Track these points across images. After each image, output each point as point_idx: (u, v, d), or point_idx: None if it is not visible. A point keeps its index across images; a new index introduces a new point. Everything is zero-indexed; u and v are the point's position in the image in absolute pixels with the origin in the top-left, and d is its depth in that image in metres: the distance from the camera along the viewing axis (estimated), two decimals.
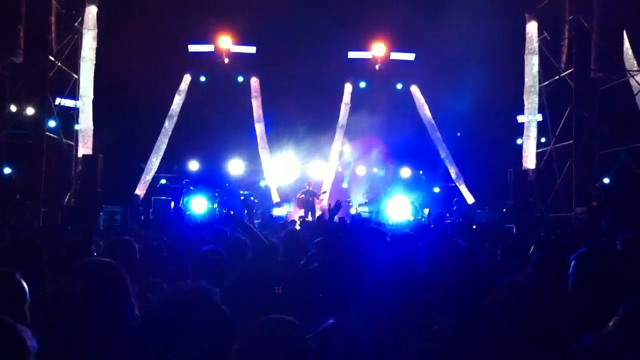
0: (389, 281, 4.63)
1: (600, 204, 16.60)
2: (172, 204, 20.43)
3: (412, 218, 20.47)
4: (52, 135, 17.78)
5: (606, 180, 18.17)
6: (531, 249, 6.10)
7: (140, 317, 2.41)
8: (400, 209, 21.44)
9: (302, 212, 21.23)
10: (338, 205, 6.31)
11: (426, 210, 21.70)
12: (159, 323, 2.06)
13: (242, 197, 21.60)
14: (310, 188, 21.68)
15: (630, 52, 17.46)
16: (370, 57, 23.17)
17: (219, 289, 2.23)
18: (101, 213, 17.33)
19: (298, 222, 18.46)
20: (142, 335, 2.11)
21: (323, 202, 22.23)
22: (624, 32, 17.51)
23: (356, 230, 6.99)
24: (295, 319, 2.40)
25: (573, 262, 3.73)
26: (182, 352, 2.02)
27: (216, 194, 21.65)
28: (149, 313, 2.11)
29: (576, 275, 3.62)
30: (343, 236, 5.27)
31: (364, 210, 21.87)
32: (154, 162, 22.42)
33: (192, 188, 20.54)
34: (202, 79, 23.57)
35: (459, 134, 24.03)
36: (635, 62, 17.41)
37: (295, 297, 3.69)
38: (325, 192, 22.58)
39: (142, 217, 16.98)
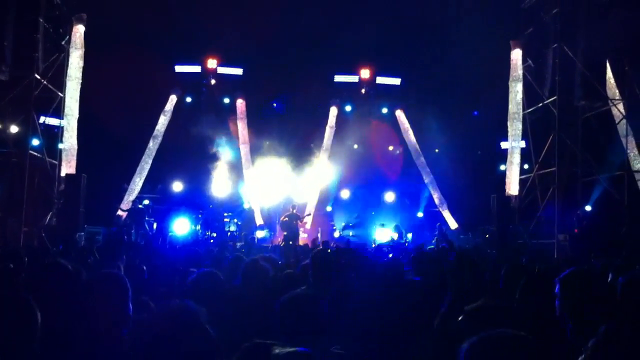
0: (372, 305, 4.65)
1: (582, 230, 16.72)
2: (155, 225, 20.39)
3: (395, 237, 20.61)
4: (36, 153, 17.66)
5: (588, 208, 18.30)
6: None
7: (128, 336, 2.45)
8: (384, 233, 21.57)
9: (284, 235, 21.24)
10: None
11: (409, 235, 21.82)
12: (144, 342, 2.05)
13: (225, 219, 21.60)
14: (295, 211, 21.66)
15: (612, 81, 17.71)
16: (357, 80, 23.33)
17: (208, 309, 2.23)
18: (82, 233, 17.35)
19: (282, 244, 18.48)
20: (129, 353, 2.12)
21: (307, 225, 22.22)
22: (607, 61, 17.76)
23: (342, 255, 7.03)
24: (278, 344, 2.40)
25: (558, 284, 3.74)
26: None
27: (199, 216, 21.60)
28: (136, 331, 2.11)
29: (562, 296, 3.63)
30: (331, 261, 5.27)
31: (348, 234, 21.93)
32: (138, 182, 22.32)
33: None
34: (188, 99, 23.57)
35: (437, 150, 24.02)
36: (617, 91, 17.65)
37: (280, 322, 3.67)
38: (309, 215, 22.57)
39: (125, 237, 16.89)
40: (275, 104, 23.71)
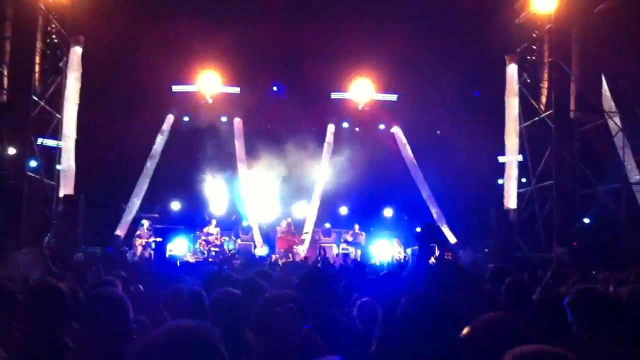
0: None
1: (581, 243, 16.71)
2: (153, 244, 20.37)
3: (397, 255, 20.61)
4: (33, 175, 17.65)
5: (586, 221, 18.29)
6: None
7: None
8: (383, 249, 21.59)
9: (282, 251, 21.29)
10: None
11: (409, 250, 21.81)
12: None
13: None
14: (292, 229, 21.69)
15: (608, 93, 17.75)
16: (354, 98, 23.39)
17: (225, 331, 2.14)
18: (80, 254, 17.31)
19: (280, 262, 18.46)
20: None
21: (305, 243, 22.22)
22: (602, 74, 17.83)
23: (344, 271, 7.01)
24: None
25: (568, 309, 3.72)
26: None
27: (198, 234, 21.60)
28: (143, 349, 2.02)
29: (577, 317, 3.62)
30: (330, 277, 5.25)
31: (347, 250, 21.94)
32: (136, 202, 22.31)
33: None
34: (186, 119, 23.62)
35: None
36: (613, 104, 17.69)
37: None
38: (307, 233, 22.57)
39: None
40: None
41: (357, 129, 24.30)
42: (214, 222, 21.82)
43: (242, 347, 3.64)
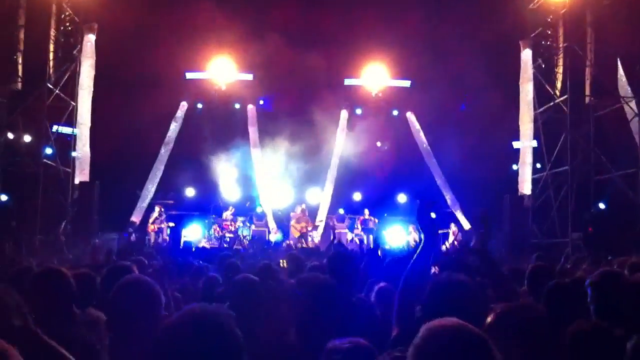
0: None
1: (596, 229, 16.65)
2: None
3: (412, 242, 20.61)
4: (49, 162, 17.79)
5: (602, 206, 18.21)
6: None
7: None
8: (397, 235, 21.59)
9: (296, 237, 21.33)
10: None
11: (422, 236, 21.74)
12: (165, 345, 1.99)
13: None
14: (306, 215, 21.70)
15: (624, 78, 17.61)
16: (367, 84, 23.31)
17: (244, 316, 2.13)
18: (96, 240, 17.46)
19: (294, 248, 18.51)
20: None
21: (319, 229, 22.26)
22: (618, 59, 17.68)
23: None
24: None
25: (589, 289, 3.71)
26: None
27: (212, 219, 21.70)
28: (160, 333, 2.03)
29: (597, 299, 3.61)
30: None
31: (361, 236, 21.95)
32: (150, 189, 22.41)
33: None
34: (199, 105, 23.64)
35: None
36: (629, 89, 17.55)
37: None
38: (322, 221, 22.63)
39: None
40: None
41: (370, 115, 24.17)
42: (231, 209, 21.87)
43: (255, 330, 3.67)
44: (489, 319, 2.42)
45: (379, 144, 24.12)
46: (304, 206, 22.15)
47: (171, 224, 21.10)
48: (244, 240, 20.76)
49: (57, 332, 3.01)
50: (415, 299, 3.15)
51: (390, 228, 22.56)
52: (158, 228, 20.79)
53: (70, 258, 13.19)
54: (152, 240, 20.18)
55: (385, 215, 23.32)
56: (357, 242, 21.58)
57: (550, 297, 3.97)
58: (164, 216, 21.14)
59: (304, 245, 20.05)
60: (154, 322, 2.97)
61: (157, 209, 21.22)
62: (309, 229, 21.66)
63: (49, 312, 3.37)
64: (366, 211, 22.60)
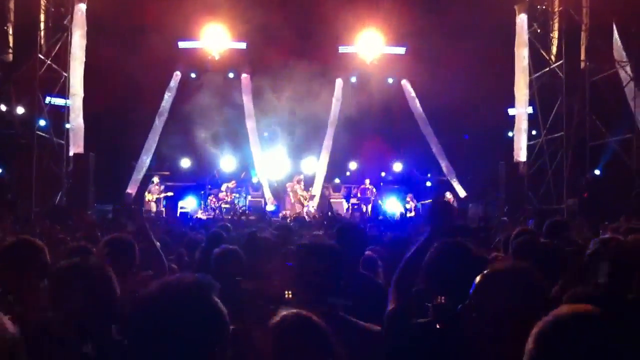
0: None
1: (591, 194, 16.67)
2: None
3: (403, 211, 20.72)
4: (43, 134, 17.70)
5: (597, 172, 18.23)
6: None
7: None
8: (393, 204, 21.69)
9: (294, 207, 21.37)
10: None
11: (419, 205, 21.88)
12: (143, 315, 1.88)
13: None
14: (302, 185, 21.68)
15: (619, 43, 17.49)
16: (362, 52, 23.12)
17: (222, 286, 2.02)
18: (91, 212, 17.43)
19: (290, 218, 18.54)
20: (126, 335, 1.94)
21: (315, 199, 22.25)
22: (613, 23, 17.55)
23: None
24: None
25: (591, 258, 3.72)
26: (166, 353, 1.78)
27: (208, 189, 21.71)
28: (137, 303, 1.92)
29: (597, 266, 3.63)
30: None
31: (357, 205, 22.01)
32: (145, 160, 22.33)
33: None
34: (193, 75, 23.48)
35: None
36: (624, 54, 17.43)
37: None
38: (318, 190, 22.64)
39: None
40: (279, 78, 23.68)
41: (365, 83, 24.01)
42: (233, 182, 21.89)
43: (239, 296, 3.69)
44: (477, 279, 2.40)
45: None
46: (301, 177, 22.11)
47: (170, 194, 21.14)
48: (239, 211, 20.80)
49: None
50: (413, 281, 3.21)
51: (386, 197, 22.66)
52: (157, 198, 20.80)
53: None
54: (154, 210, 20.18)
55: (382, 184, 23.37)
56: (352, 211, 21.69)
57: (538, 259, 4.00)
58: (162, 186, 21.14)
59: (303, 215, 20.04)
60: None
61: (155, 179, 21.21)
62: (308, 201, 21.65)
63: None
64: (367, 181, 22.64)
